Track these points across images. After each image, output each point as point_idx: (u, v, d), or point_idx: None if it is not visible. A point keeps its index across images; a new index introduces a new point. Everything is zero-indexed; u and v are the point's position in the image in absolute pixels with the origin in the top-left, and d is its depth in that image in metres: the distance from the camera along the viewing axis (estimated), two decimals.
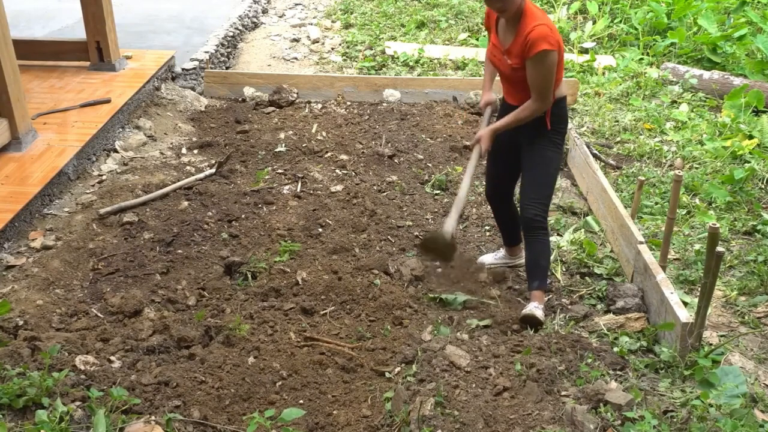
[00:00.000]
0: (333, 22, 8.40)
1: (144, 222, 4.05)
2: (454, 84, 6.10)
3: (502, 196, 3.67)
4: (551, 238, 4.06)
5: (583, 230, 4.18)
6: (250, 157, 5.00)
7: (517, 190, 3.59)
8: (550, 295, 3.61)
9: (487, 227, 4.27)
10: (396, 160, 5.05)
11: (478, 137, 3.39)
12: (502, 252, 3.87)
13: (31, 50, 5.71)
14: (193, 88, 6.21)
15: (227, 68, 6.97)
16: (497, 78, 3.52)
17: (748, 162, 4.86)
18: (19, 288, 3.41)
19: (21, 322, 3.12)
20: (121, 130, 5.20)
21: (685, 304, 3.28)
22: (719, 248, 2.83)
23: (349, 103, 6.04)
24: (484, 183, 3.79)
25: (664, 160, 5.06)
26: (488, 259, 3.86)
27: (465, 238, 4.14)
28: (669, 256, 3.69)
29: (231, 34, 7.40)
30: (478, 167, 3.77)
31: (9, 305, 2.98)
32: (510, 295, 3.62)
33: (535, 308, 3.31)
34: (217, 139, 5.29)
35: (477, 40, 7.60)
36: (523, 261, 3.69)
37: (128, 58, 6.08)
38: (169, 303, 3.41)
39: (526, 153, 3.37)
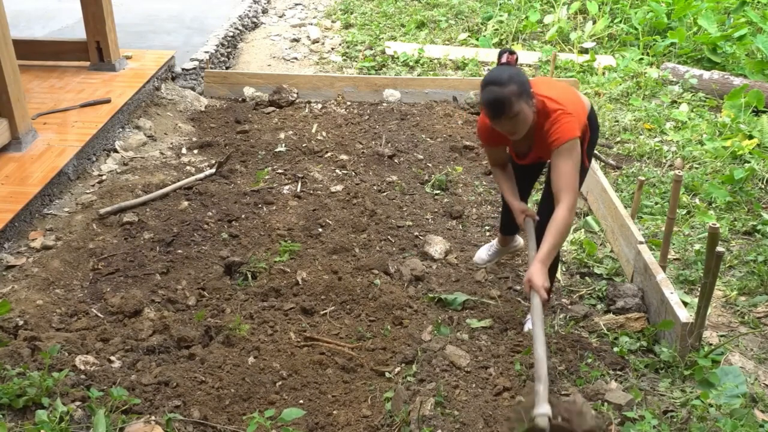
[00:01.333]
0: (333, 22, 8.40)
1: (144, 222, 4.05)
2: (454, 84, 6.10)
3: (520, 195, 3.39)
4: None
5: (583, 230, 4.18)
6: (250, 157, 5.00)
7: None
8: (550, 295, 3.61)
9: (487, 227, 4.27)
10: (396, 160, 5.05)
11: (528, 279, 2.72)
12: (494, 246, 3.81)
13: (31, 50, 5.71)
14: (193, 88, 6.21)
15: (227, 68, 6.97)
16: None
17: (748, 162, 4.86)
18: (19, 288, 3.41)
19: (21, 322, 3.12)
20: (121, 130, 5.20)
21: (685, 304, 3.29)
22: (719, 248, 2.83)
23: (349, 103, 6.05)
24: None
25: (664, 160, 5.06)
26: (483, 255, 3.84)
27: (465, 239, 4.14)
28: (669, 256, 3.69)
29: (231, 34, 7.41)
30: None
31: (9, 305, 2.98)
32: (510, 295, 3.62)
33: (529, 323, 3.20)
34: (217, 139, 5.29)
35: (477, 40, 7.60)
36: (515, 246, 3.71)
37: (128, 58, 6.08)
38: (169, 303, 3.41)
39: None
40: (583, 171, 3.04)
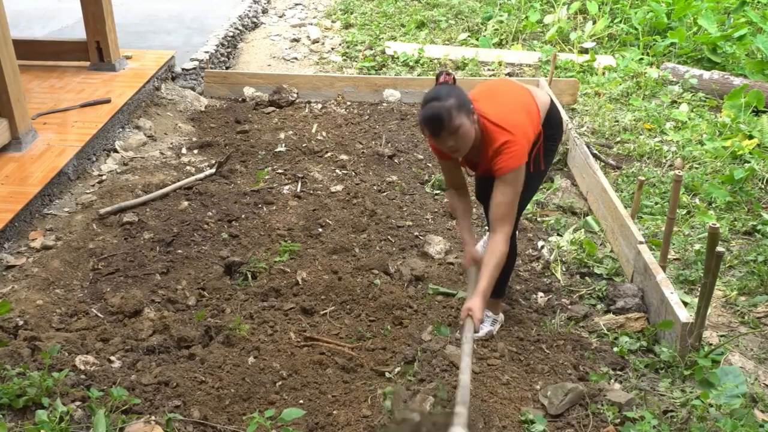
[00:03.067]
0: (333, 22, 8.40)
1: (144, 222, 4.05)
2: None
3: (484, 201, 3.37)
4: (551, 238, 4.08)
5: (583, 230, 4.18)
6: (250, 157, 5.00)
7: None
8: (550, 296, 3.61)
9: (487, 227, 4.26)
10: (396, 160, 5.05)
11: (467, 308, 2.75)
12: (485, 238, 3.77)
13: (31, 50, 5.71)
14: (193, 88, 6.21)
15: (227, 68, 6.97)
16: None
17: (748, 162, 4.86)
18: (19, 288, 3.41)
19: (21, 322, 3.12)
20: (121, 130, 5.20)
21: (685, 304, 3.29)
22: (719, 248, 2.83)
23: (349, 103, 6.04)
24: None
25: (664, 160, 5.06)
26: (480, 248, 3.83)
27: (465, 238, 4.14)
28: (669, 256, 3.69)
29: (231, 34, 7.40)
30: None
31: (9, 305, 2.98)
32: (509, 294, 3.62)
33: (482, 328, 3.16)
34: (217, 139, 5.29)
35: (477, 40, 7.60)
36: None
37: (128, 58, 6.08)
38: (169, 303, 3.41)
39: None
40: (540, 174, 3.07)
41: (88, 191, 4.42)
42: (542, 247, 4.01)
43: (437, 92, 2.71)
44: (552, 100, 3.10)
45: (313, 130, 5.44)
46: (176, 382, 2.82)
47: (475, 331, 2.74)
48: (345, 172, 4.84)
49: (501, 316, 3.32)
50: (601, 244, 4.05)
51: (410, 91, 6.10)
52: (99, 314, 3.29)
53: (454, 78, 2.86)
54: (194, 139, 5.31)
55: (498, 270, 2.82)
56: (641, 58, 7.08)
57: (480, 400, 2.78)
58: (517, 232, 3.38)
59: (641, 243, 3.54)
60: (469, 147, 2.74)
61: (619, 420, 2.70)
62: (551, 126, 3.04)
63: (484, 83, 3.09)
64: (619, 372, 3.03)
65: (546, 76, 5.83)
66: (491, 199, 2.84)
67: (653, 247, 3.78)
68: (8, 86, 4.33)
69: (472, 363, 2.68)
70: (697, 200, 4.55)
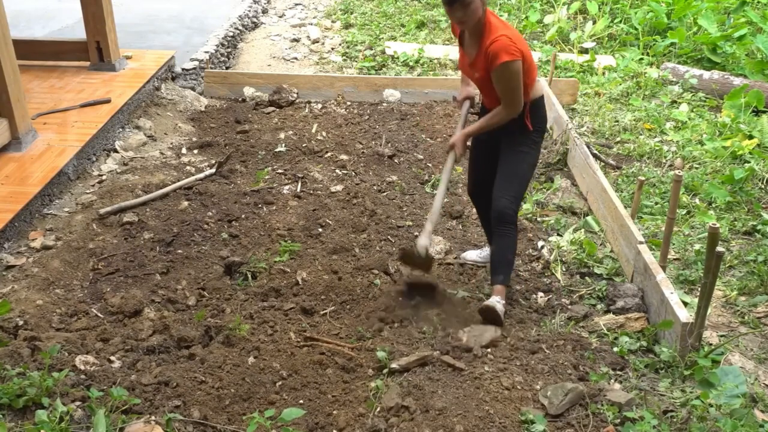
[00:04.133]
0: (333, 22, 8.40)
1: (144, 222, 4.05)
2: (454, 84, 6.09)
3: (484, 193, 3.57)
4: (551, 238, 4.08)
5: (583, 230, 4.18)
6: (250, 157, 5.00)
7: None
8: (550, 296, 3.61)
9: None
10: (396, 160, 5.05)
11: (452, 143, 3.40)
12: (487, 250, 3.82)
13: (31, 50, 5.71)
14: (193, 88, 6.21)
15: (227, 68, 6.97)
16: None
17: (748, 162, 4.86)
18: (19, 288, 3.41)
19: (21, 322, 3.12)
20: (121, 130, 5.20)
21: (685, 304, 3.28)
22: (719, 248, 2.83)
23: (349, 103, 6.04)
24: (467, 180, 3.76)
25: (664, 160, 5.06)
26: (472, 256, 3.86)
27: (465, 238, 4.14)
28: (669, 256, 3.69)
29: (231, 34, 7.40)
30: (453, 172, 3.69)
31: (9, 305, 2.98)
32: (509, 293, 3.62)
33: (496, 302, 3.28)
34: (217, 139, 5.29)
35: None
36: None
37: (128, 58, 6.08)
38: (169, 303, 3.41)
39: (504, 150, 3.37)
40: (534, 146, 3.40)
41: (88, 191, 4.42)
42: (542, 247, 4.01)
43: None
44: (542, 96, 3.38)
45: (313, 130, 5.44)
46: (176, 382, 2.82)
47: (455, 161, 3.41)
48: (345, 172, 4.84)
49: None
50: (601, 244, 4.05)
51: (410, 91, 6.10)
52: (99, 314, 3.29)
53: None
54: (194, 139, 5.31)
55: (491, 126, 3.26)
56: (641, 58, 7.08)
57: (480, 400, 2.78)
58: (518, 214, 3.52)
59: (641, 243, 3.54)
60: (474, 22, 3.09)
61: (619, 420, 2.70)
62: (538, 119, 3.34)
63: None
64: (619, 372, 3.03)
65: (546, 76, 5.83)
66: (498, 92, 3.17)
67: (653, 247, 3.77)
68: (8, 86, 4.33)
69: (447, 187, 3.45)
70: (697, 200, 4.55)
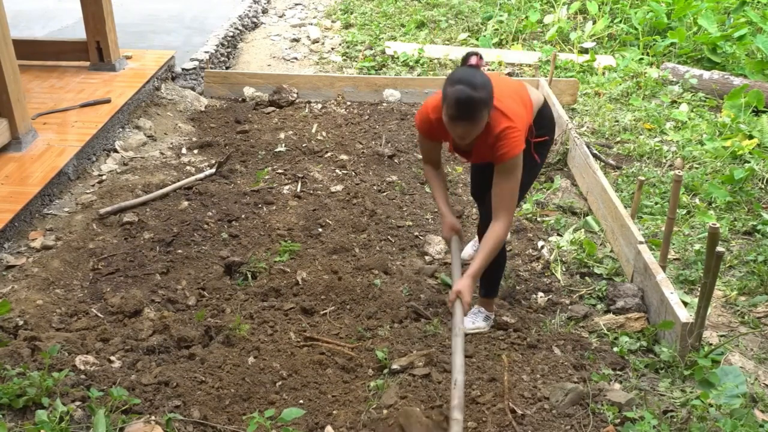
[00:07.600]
0: (333, 22, 8.40)
1: (144, 222, 4.05)
2: None
3: (486, 199, 3.48)
4: (551, 238, 4.08)
5: (583, 230, 4.18)
6: (250, 157, 5.00)
7: None
8: (550, 296, 3.61)
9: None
10: (396, 160, 5.05)
11: (457, 290, 2.76)
12: (477, 243, 3.79)
13: (31, 50, 5.71)
14: (193, 88, 6.20)
15: (227, 68, 6.97)
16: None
17: (748, 162, 4.86)
18: (19, 288, 3.41)
19: (21, 322, 3.12)
20: (121, 130, 5.20)
21: (685, 304, 3.29)
22: (719, 248, 2.83)
23: (349, 103, 6.04)
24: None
25: (664, 160, 5.06)
26: (469, 251, 3.84)
27: (465, 238, 4.14)
28: (669, 256, 3.69)
29: (231, 34, 7.40)
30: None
31: (9, 305, 2.98)
32: (510, 294, 3.62)
33: (475, 319, 3.22)
34: (217, 139, 5.29)
35: (477, 40, 7.60)
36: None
37: (128, 58, 6.08)
38: (169, 303, 3.41)
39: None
40: (535, 166, 3.12)
41: (88, 191, 4.42)
42: (542, 247, 4.01)
43: (472, 77, 2.63)
44: (545, 101, 3.16)
45: (313, 130, 5.44)
46: (176, 382, 2.82)
47: (464, 314, 2.73)
48: (345, 172, 4.84)
49: (494, 315, 3.33)
50: (601, 244, 4.05)
51: (410, 91, 6.10)
52: (99, 314, 3.29)
53: (484, 62, 2.81)
54: (194, 139, 5.31)
55: (493, 254, 2.82)
56: (641, 58, 7.08)
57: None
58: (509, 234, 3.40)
59: (641, 243, 3.54)
60: (473, 138, 2.72)
61: (619, 420, 2.70)
62: (544, 125, 3.11)
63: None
64: (619, 372, 3.03)
65: (546, 76, 5.83)
66: (493, 187, 2.84)
67: (653, 247, 3.77)
68: (8, 86, 4.33)
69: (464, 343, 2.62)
70: (697, 200, 4.55)
